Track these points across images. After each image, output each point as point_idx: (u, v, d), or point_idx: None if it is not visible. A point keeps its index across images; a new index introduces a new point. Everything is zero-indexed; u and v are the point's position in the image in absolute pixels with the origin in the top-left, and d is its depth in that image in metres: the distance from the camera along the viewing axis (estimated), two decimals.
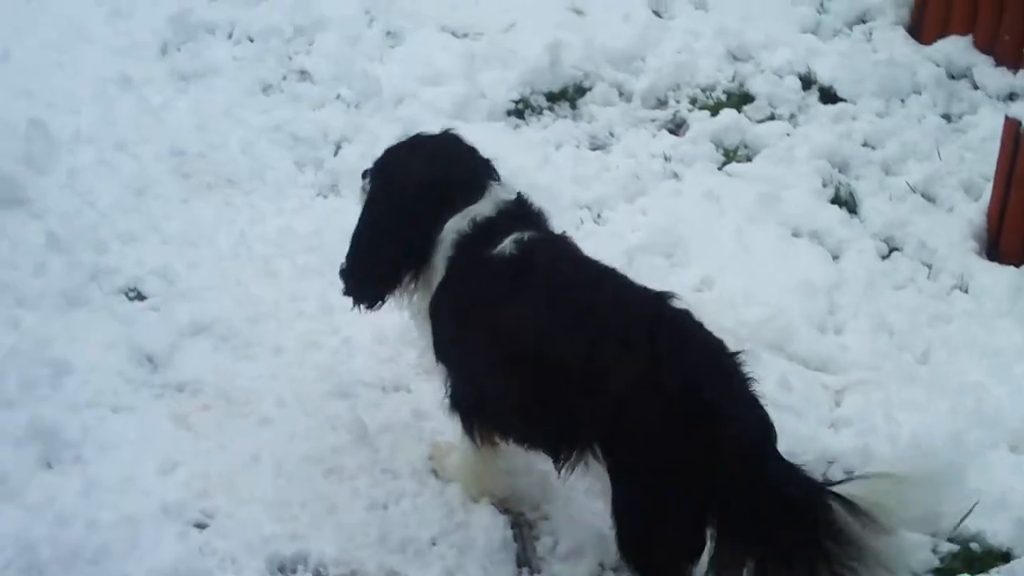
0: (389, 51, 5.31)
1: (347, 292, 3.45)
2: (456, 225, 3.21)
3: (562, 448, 3.08)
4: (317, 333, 3.87)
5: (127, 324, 3.80)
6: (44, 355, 3.58)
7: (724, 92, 5.38)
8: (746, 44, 5.61)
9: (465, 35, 5.45)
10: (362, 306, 3.44)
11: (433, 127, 3.60)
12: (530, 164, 4.63)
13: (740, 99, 5.34)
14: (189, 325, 3.82)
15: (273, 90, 5.10)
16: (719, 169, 4.91)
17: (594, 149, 4.99)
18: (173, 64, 5.13)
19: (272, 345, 3.81)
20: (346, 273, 3.43)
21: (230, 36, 5.34)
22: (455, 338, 3.28)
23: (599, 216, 4.57)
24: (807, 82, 5.44)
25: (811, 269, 4.38)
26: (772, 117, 5.25)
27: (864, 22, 5.88)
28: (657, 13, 5.80)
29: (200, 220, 4.31)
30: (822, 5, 5.93)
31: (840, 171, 4.94)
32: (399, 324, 3.72)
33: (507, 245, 3.13)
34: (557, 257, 3.17)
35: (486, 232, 3.18)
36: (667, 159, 4.91)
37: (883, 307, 4.26)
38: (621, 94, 5.31)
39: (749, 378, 2.91)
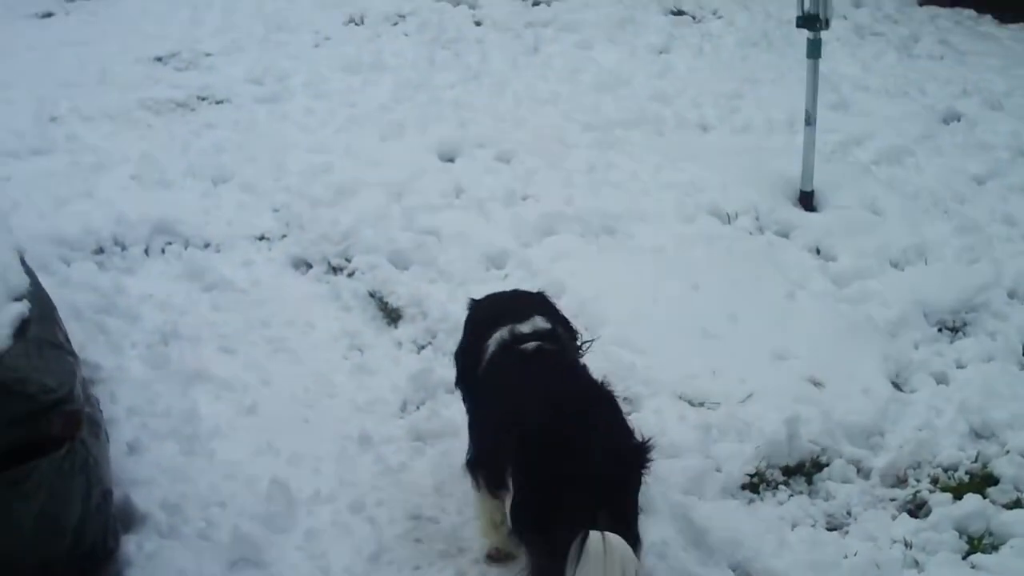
0: None
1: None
2: (500, 335, 4.40)
3: (501, 481, 4.04)
4: None
5: None
6: None
7: (967, 473, 5.16)
8: (989, 422, 5.39)
9: (701, 404, 5.42)
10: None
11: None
12: (765, 548, 4.50)
13: (984, 481, 5.11)
14: None
15: None
16: (963, 559, 4.67)
17: (831, 529, 4.83)
18: (412, 423, 5.22)
19: None
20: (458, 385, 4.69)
21: None
22: (475, 413, 4.52)
23: None
24: None
25: None
26: (1018, 502, 5.00)
27: None
28: (897, 386, 5.69)
29: None
30: None
31: None
32: None
33: (528, 347, 4.33)
34: (543, 359, 4.30)
35: (520, 341, 4.37)
36: (908, 546, 4.71)
37: None
38: (859, 471, 5.14)
39: (631, 429, 4.01)
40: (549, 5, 11.24)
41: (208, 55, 10.05)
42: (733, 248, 6.63)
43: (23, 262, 4.73)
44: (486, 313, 4.65)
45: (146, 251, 6.49)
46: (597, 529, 3.54)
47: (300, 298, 6.08)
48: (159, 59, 10.01)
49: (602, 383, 4.19)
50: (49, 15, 11.75)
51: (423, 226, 6.64)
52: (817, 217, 7.05)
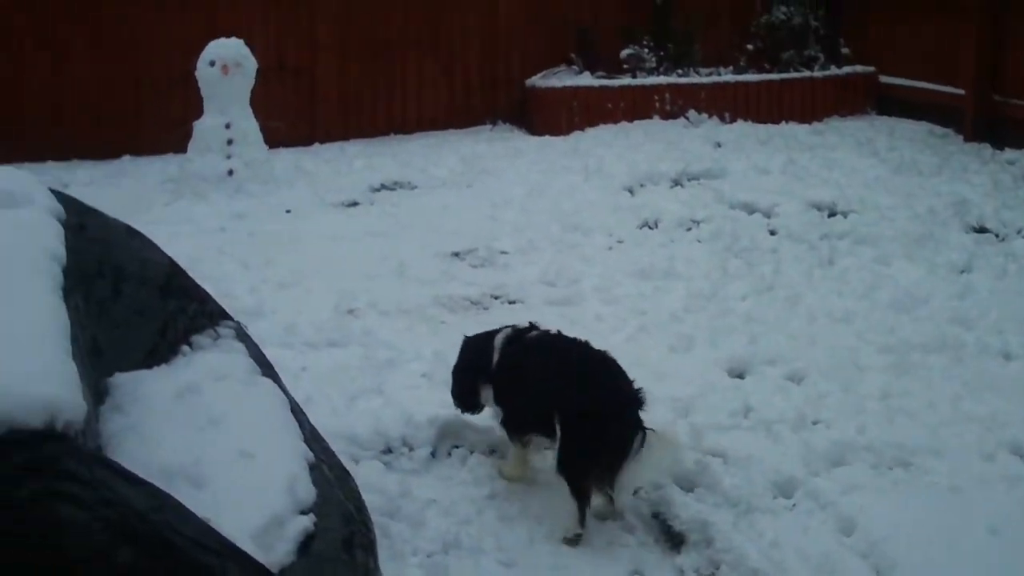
0: None
1: (457, 406, 6.53)
2: (501, 338, 6.24)
3: (545, 425, 5.84)
4: None
5: None
6: None
7: None
8: None
9: None
10: (467, 413, 6.52)
11: None
12: None
13: None
14: None
15: None
16: None
17: None
18: None
19: None
20: (454, 395, 6.54)
21: None
22: (503, 388, 6.16)
23: None
24: None
25: None
26: None
27: None
28: None
29: None
30: None
31: None
32: None
33: (533, 335, 6.23)
34: (553, 338, 6.23)
35: (517, 334, 6.25)
36: None
37: None
38: None
39: (631, 381, 5.87)
40: (846, 217, 11.12)
41: (504, 253, 10.31)
42: None
43: (325, 462, 4.81)
44: (478, 339, 6.45)
45: (433, 454, 6.56)
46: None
47: None
48: (456, 255, 10.33)
49: (606, 352, 6.00)
50: (354, 204, 12.34)
51: (709, 446, 6.49)
52: None
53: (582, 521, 5.69)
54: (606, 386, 5.80)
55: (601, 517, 5.91)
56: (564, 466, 5.71)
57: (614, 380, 5.85)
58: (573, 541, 5.70)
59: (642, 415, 5.79)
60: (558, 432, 5.73)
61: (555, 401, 5.79)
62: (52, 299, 4.08)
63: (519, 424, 6.11)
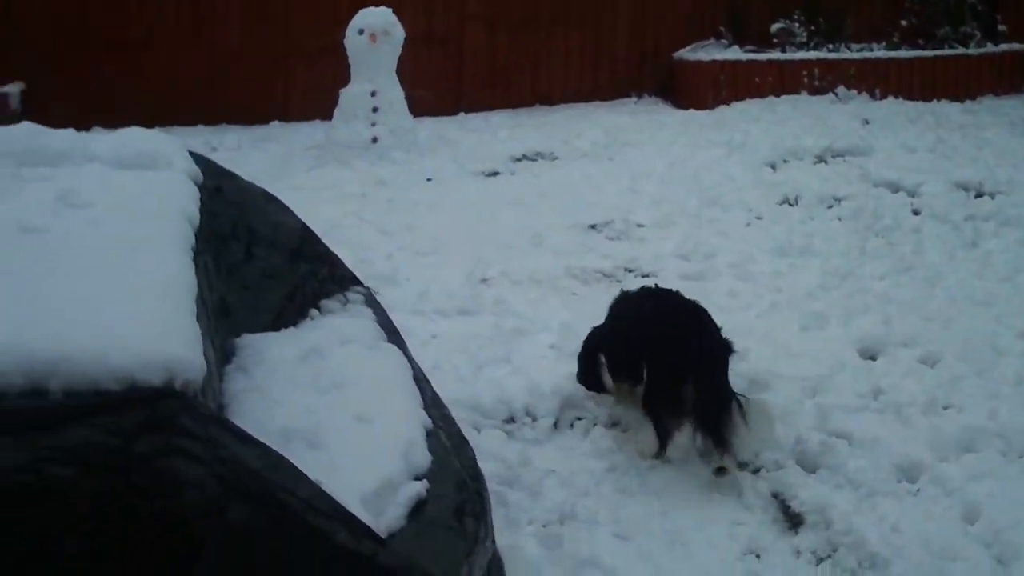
0: None
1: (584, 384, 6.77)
2: (612, 299, 6.78)
3: (636, 371, 6.17)
4: None
5: None
6: None
7: None
8: None
9: None
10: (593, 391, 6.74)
11: None
12: None
13: None
14: None
15: None
16: None
17: None
18: None
19: None
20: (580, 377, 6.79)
21: None
22: (607, 338, 6.56)
23: None
24: None
25: None
26: None
27: None
28: None
29: None
30: None
31: None
32: None
33: (634, 289, 6.74)
34: (655, 291, 6.65)
35: (626, 292, 6.83)
36: None
37: None
38: None
39: (720, 331, 6.13)
40: (993, 198, 10.82)
41: (640, 226, 10.28)
42: None
43: (444, 429, 4.86)
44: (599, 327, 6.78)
45: (555, 424, 6.59)
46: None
47: (703, 490, 5.99)
48: (593, 227, 10.33)
49: (696, 302, 6.29)
50: (495, 174, 12.42)
51: (835, 428, 6.41)
52: None
53: (662, 448, 6.15)
54: (690, 334, 6.06)
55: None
56: (647, 404, 6.13)
57: (700, 329, 6.11)
58: (647, 456, 6.18)
59: (733, 374, 6.15)
60: (644, 375, 6.10)
61: (643, 348, 6.15)
62: (181, 259, 4.21)
63: (617, 369, 6.40)
